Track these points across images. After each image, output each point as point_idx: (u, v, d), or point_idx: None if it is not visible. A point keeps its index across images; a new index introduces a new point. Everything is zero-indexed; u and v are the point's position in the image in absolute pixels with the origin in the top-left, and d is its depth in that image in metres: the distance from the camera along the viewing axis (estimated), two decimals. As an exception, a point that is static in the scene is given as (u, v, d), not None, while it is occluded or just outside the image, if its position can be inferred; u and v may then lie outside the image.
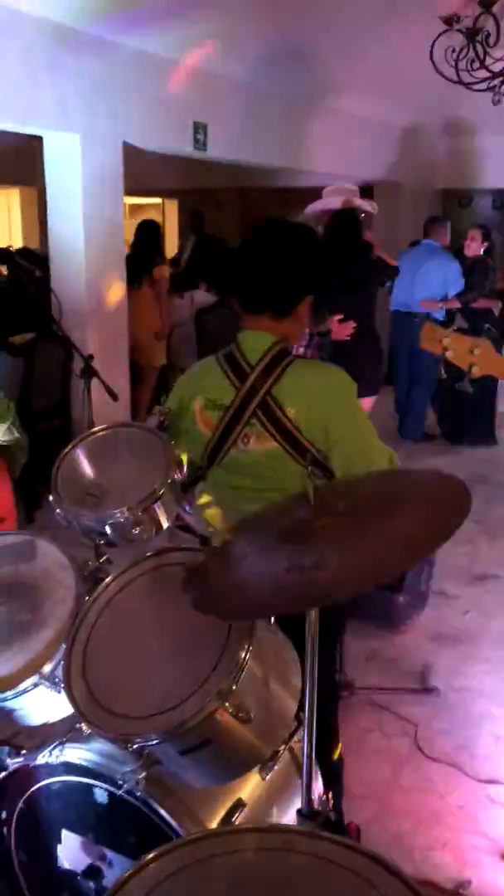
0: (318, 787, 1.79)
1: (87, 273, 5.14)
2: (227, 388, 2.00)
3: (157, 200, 12.46)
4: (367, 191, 6.81)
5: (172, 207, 12.84)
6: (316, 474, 1.66)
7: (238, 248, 2.12)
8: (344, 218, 4.48)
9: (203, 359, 2.15)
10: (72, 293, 4.96)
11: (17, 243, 12.26)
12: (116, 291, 5.41)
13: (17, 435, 2.59)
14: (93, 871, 1.68)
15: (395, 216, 8.22)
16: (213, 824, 1.60)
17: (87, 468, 1.94)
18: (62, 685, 1.59)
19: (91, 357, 3.55)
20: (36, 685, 1.66)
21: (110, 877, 1.65)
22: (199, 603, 1.47)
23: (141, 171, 6.08)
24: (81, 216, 5.05)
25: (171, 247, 10.46)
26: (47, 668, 1.67)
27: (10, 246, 5.07)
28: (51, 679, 1.67)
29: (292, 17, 5.01)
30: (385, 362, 5.64)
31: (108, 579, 1.73)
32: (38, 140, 5.07)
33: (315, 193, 4.87)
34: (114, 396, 3.40)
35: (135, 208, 11.05)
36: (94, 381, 3.49)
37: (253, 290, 2.03)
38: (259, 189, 10.18)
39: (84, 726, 1.49)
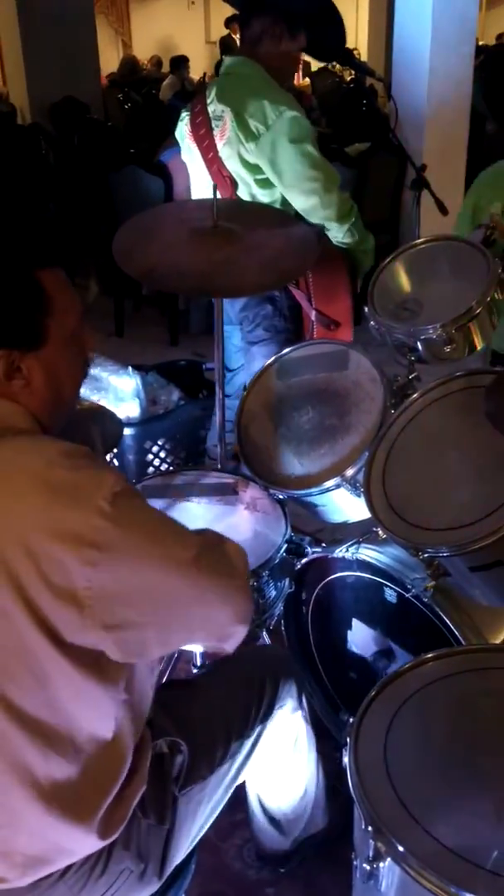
0: None
1: (430, 76, 4.79)
2: None
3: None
4: None
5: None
6: None
7: None
8: None
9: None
10: (412, 98, 4.68)
11: (363, 49, 11.74)
12: (461, 95, 5.00)
13: (356, 237, 2.51)
14: (384, 654, 1.82)
15: None
16: (495, 642, 1.63)
17: (404, 282, 1.91)
18: (362, 490, 1.67)
19: (424, 167, 3.37)
20: (338, 486, 1.76)
21: (393, 667, 1.78)
22: (495, 416, 1.44)
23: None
24: (431, 9, 4.66)
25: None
26: (349, 472, 1.75)
27: (355, 49, 4.89)
28: (352, 483, 1.75)
29: None
30: None
31: (415, 395, 1.74)
32: None
33: None
34: (443, 210, 3.23)
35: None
36: (426, 195, 3.33)
37: None
38: None
39: (379, 530, 1.57)
